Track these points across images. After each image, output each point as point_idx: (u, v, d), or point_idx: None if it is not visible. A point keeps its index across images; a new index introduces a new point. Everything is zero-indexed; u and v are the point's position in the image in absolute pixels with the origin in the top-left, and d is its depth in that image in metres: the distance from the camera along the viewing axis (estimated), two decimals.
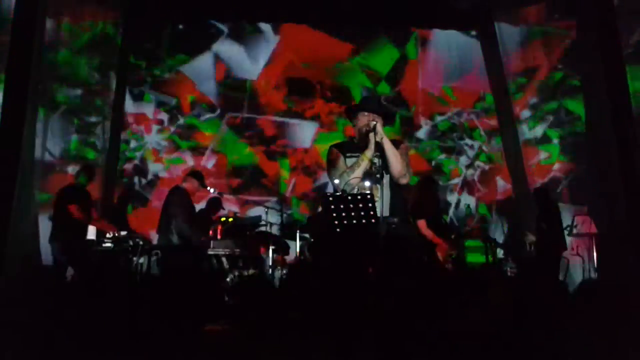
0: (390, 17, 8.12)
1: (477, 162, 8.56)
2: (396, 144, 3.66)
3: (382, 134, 3.54)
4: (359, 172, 3.56)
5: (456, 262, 5.73)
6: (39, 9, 5.40)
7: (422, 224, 5.64)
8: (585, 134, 6.56)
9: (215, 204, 7.12)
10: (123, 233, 6.20)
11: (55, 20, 6.49)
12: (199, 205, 6.84)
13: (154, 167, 8.26)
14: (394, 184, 3.60)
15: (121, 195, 7.74)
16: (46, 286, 5.18)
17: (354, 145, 3.74)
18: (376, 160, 3.57)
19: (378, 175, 3.51)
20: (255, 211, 7.78)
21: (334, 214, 3.37)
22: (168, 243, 5.89)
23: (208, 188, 6.49)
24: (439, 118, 8.68)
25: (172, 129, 8.35)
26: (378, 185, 3.49)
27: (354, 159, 3.64)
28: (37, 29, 5.39)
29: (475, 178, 8.54)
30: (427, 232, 5.64)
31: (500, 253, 6.89)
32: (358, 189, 3.54)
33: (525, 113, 7.94)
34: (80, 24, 7.35)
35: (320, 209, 6.63)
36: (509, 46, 7.80)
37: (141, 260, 6.02)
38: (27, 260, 5.50)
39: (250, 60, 8.53)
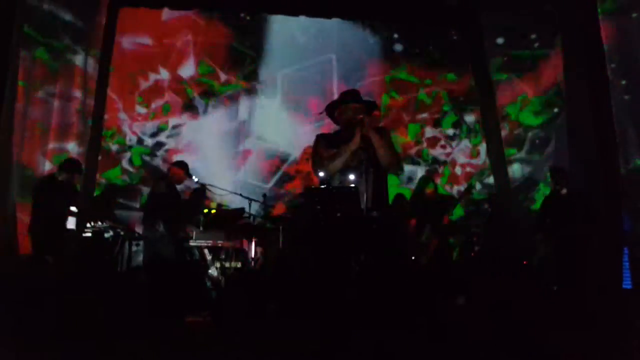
0: (374, 13, 8.08)
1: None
2: (379, 131, 3.63)
3: (368, 127, 3.53)
4: (339, 162, 3.54)
5: (440, 257, 5.84)
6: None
7: (413, 222, 5.93)
8: (567, 132, 6.56)
9: (199, 194, 7.03)
10: (105, 223, 6.10)
11: None
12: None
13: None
14: (379, 177, 3.58)
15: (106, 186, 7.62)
16: (25, 276, 5.12)
17: (341, 138, 3.69)
18: (361, 152, 3.54)
19: (364, 168, 3.48)
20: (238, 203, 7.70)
21: (318, 207, 3.35)
22: (153, 234, 5.84)
23: (193, 177, 6.41)
24: None
25: None
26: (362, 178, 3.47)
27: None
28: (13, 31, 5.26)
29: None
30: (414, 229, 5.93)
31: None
32: (339, 181, 3.53)
33: None
34: None
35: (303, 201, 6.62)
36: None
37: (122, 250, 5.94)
38: (5, 249, 5.39)
39: None
